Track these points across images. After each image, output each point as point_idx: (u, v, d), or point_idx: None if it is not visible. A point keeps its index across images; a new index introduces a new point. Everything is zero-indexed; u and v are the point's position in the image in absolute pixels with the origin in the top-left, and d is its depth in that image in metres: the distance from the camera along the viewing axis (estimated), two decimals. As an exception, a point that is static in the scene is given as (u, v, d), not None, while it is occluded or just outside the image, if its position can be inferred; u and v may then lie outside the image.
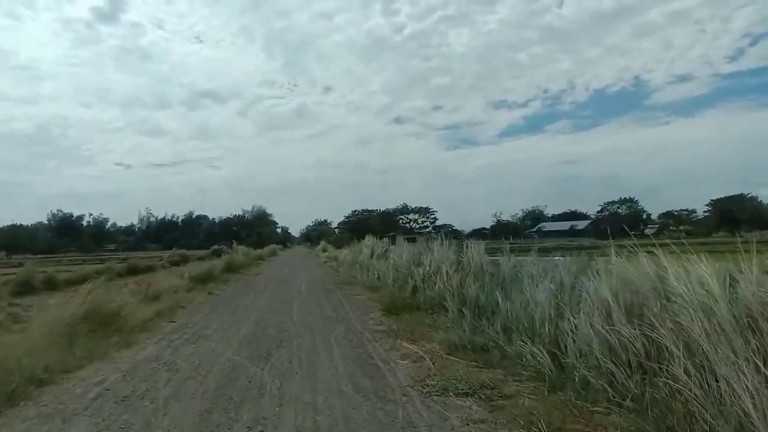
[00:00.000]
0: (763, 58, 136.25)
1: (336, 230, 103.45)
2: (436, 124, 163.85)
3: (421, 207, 72.05)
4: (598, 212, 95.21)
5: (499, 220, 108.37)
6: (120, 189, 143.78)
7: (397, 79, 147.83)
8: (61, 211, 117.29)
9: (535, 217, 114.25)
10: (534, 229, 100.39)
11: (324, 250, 42.03)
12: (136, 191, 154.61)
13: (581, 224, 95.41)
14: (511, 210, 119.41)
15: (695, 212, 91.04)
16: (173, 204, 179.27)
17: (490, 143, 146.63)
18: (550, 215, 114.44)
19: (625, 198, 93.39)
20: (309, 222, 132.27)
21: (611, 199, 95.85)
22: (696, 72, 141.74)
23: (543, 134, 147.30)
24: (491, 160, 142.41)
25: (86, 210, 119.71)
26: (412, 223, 70.99)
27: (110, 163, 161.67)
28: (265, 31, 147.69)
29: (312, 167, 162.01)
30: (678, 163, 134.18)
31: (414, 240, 58.47)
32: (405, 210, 70.10)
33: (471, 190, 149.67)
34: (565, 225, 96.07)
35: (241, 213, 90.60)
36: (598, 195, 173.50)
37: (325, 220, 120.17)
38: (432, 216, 71.73)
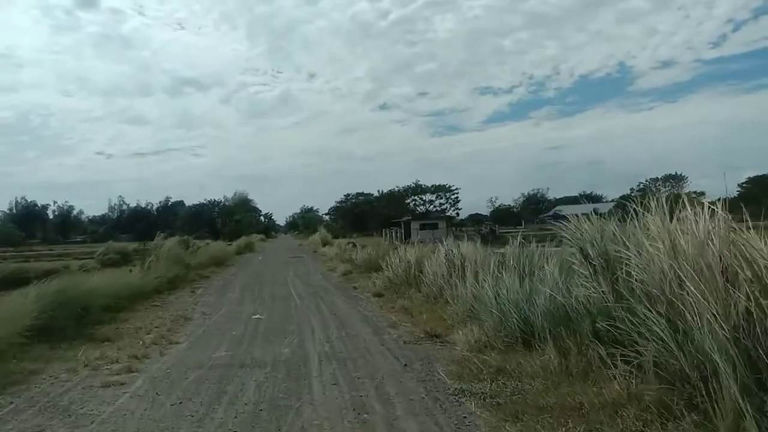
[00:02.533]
0: (745, 43, 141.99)
1: (326, 218, 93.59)
2: (421, 111, 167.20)
3: (440, 185, 60.20)
4: (637, 190, 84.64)
5: (498, 206, 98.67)
6: (101, 179, 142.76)
7: (382, 65, 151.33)
8: (25, 199, 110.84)
9: (537, 201, 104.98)
10: (549, 214, 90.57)
11: (324, 243, 31.92)
12: (117, 181, 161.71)
13: (605, 207, 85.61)
14: (501, 195, 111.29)
15: (704, 194, 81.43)
16: (155, 194, 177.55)
17: (475, 130, 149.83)
18: (552, 198, 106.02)
19: (670, 175, 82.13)
20: (295, 210, 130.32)
21: (654, 176, 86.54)
22: (679, 58, 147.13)
23: (528, 120, 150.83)
24: (476, 147, 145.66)
25: (66, 200, 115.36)
26: (426, 204, 59.04)
27: (91, 152, 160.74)
28: (248, 16, 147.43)
29: (297, 155, 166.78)
30: (662, 148, 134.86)
31: (434, 226, 48.27)
32: (417, 189, 58.21)
33: (456, 176, 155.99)
34: (585, 208, 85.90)
35: (217, 199, 79.52)
36: (583, 180, 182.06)
37: (312, 208, 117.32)
38: (454, 195, 60.15)
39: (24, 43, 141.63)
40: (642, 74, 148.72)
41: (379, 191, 69.10)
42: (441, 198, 56.74)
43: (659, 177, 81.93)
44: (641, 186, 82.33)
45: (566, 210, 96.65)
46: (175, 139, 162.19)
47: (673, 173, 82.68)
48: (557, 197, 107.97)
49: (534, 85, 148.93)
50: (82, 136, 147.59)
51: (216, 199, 79.10)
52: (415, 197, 57.65)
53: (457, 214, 60.37)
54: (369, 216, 68.05)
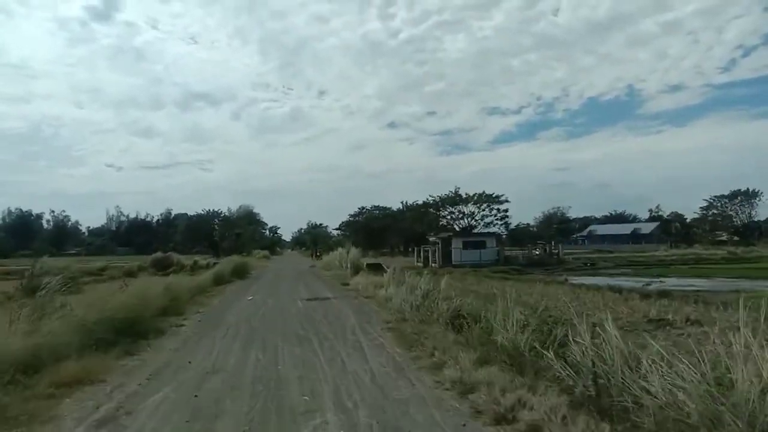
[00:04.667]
0: (755, 69, 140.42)
1: (336, 233, 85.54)
2: (429, 130, 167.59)
3: (485, 194, 50.22)
4: (702, 209, 75.51)
5: (516, 225, 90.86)
6: (110, 191, 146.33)
7: (392, 83, 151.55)
8: (20, 209, 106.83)
9: (559, 220, 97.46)
10: (584, 234, 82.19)
11: (354, 268, 23.33)
12: (125, 193, 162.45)
13: (646, 227, 77.08)
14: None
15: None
16: (162, 207, 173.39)
17: (483, 149, 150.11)
18: (572, 217, 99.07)
19: (738, 191, 72.34)
20: (301, 225, 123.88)
21: (719, 193, 77.47)
22: (689, 82, 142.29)
23: (536, 141, 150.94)
24: (484, 166, 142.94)
25: (73, 211, 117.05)
26: (467, 218, 49.48)
27: (101, 164, 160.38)
28: (260, 32, 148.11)
29: (305, 171, 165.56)
30: (669, 172, 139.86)
31: (481, 245, 39.61)
32: (455, 200, 48.68)
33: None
34: (624, 228, 78.03)
35: (217, 209, 70.82)
36: (590, 202, 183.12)
37: (320, 224, 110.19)
38: (502, 207, 50.16)
39: (38, 54, 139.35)
40: (651, 97, 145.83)
41: (403, 203, 60.89)
42: (484, 210, 47.69)
43: (726, 194, 72.45)
44: (710, 204, 73.56)
45: (601, 230, 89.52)
46: (184, 153, 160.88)
47: (743, 189, 72.70)
48: (575, 216, 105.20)
49: (542, 106, 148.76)
50: (94, 147, 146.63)
51: (216, 210, 70.56)
52: (453, 209, 48.55)
53: (506, 229, 51.39)
54: (389, 232, 59.80)
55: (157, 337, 9.34)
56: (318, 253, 66.11)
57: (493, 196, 46.83)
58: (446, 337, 8.04)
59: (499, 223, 48.16)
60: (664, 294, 17.38)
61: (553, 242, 47.62)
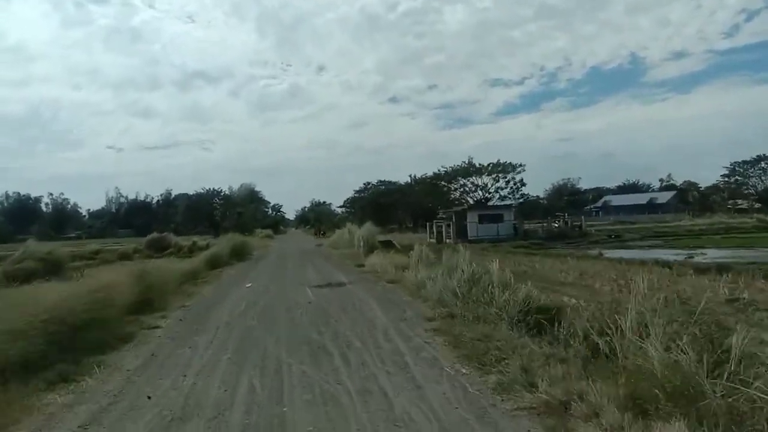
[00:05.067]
0: (758, 33, 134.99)
1: (341, 210, 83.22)
2: (431, 103, 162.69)
3: (500, 162, 47.49)
4: (723, 176, 72.16)
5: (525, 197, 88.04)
6: (111, 172, 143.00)
7: (392, 57, 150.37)
8: (18, 192, 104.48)
9: (569, 191, 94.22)
10: (599, 205, 79.31)
11: (368, 247, 20.45)
12: (126, 175, 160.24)
13: (662, 196, 74.17)
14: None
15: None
16: (163, 188, 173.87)
17: (485, 122, 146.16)
18: (582, 189, 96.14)
19: (762, 155, 68.97)
20: (304, 204, 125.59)
21: (739, 159, 74.12)
22: (692, 48, 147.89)
23: (539, 112, 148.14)
24: (487, 139, 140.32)
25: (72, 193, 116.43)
26: (479, 190, 46.26)
27: (101, 146, 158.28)
28: (257, 9, 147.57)
29: (306, 148, 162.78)
30: (674, 140, 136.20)
31: (498, 218, 36.96)
32: (468, 170, 45.33)
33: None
34: (640, 198, 75.09)
35: (218, 188, 68.12)
36: (595, 173, 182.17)
37: (324, 201, 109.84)
38: (517, 176, 47.60)
39: (35, 37, 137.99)
40: (654, 65, 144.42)
41: (411, 177, 57.72)
42: (498, 181, 44.59)
43: (750, 159, 68.95)
44: (733, 170, 70.17)
45: (615, 200, 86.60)
46: (184, 133, 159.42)
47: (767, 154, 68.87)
48: (586, 188, 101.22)
49: (545, 76, 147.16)
50: (93, 129, 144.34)
51: (216, 188, 67.75)
52: (466, 181, 45.42)
53: (521, 201, 48.45)
54: (397, 207, 57.09)
55: (117, 347, 6.75)
56: (323, 231, 63.48)
57: (508, 164, 43.78)
58: (527, 345, 5.46)
59: (514, 194, 45.29)
60: (723, 268, 15.00)
61: (566, 214, 45.03)
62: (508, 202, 44.40)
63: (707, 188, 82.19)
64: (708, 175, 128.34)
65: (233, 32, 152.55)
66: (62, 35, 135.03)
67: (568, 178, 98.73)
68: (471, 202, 45.12)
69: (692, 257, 20.69)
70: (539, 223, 44.35)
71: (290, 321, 8.41)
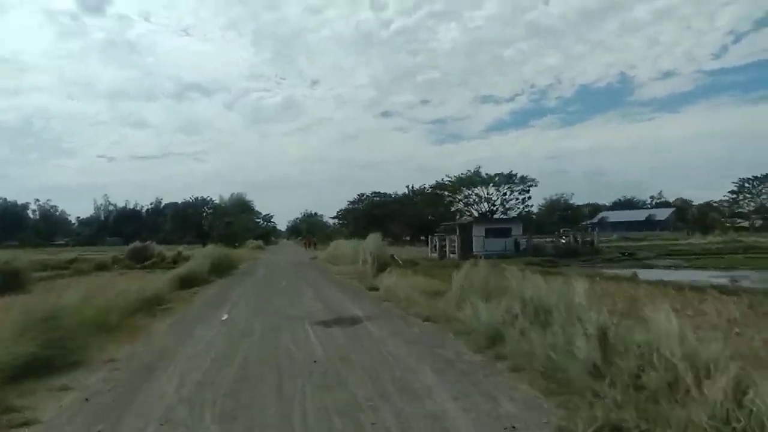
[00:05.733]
0: (746, 55, 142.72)
1: (333, 222, 79.62)
2: (423, 119, 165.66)
3: (511, 174, 42.13)
4: (732, 192, 68.96)
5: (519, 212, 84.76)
6: (102, 182, 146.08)
7: (385, 73, 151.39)
8: (5, 198, 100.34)
9: (562, 207, 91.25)
10: (595, 221, 76.23)
11: (380, 264, 15.71)
12: (117, 185, 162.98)
13: (660, 213, 71.43)
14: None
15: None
16: (155, 198, 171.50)
17: (476, 138, 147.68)
18: (575, 204, 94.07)
19: None
20: (296, 216, 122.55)
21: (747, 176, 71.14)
22: (681, 68, 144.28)
23: (529, 129, 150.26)
24: (478, 155, 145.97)
25: (70, 204, 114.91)
26: (483, 202, 42.19)
27: (93, 156, 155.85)
28: (253, 24, 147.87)
29: (298, 161, 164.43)
30: (662, 159, 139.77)
31: (506, 233, 33.19)
32: (474, 180, 41.27)
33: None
34: (637, 215, 72.24)
35: (207, 196, 63.84)
36: (585, 189, 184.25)
37: (315, 213, 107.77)
38: (526, 187, 43.82)
39: (29, 48, 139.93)
40: (643, 84, 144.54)
41: (409, 188, 53.58)
42: (506, 194, 40.80)
43: (759, 175, 65.79)
44: (741, 186, 67.16)
45: (613, 216, 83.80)
46: (177, 144, 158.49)
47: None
48: (578, 203, 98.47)
49: (536, 94, 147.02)
50: (86, 139, 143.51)
51: (205, 197, 63.50)
52: (470, 192, 41.58)
53: (528, 213, 44.83)
54: (395, 218, 53.25)
55: None
56: (314, 243, 59.16)
57: (513, 175, 40.14)
58: None
59: (521, 207, 41.75)
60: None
61: (573, 229, 41.68)
62: (511, 215, 40.83)
63: (702, 205, 79.86)
64: (698, 194, 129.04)
65: (229, 46, 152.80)
66: (57, 47, 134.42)
67: (562, 194, 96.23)
68: (475, 214, 41.40)
69: (737, 280, 17.46)
70: (541, 238, 40.81)
71: (286, 406, 4.55)
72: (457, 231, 33.59)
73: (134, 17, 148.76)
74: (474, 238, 32.27)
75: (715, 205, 78.92)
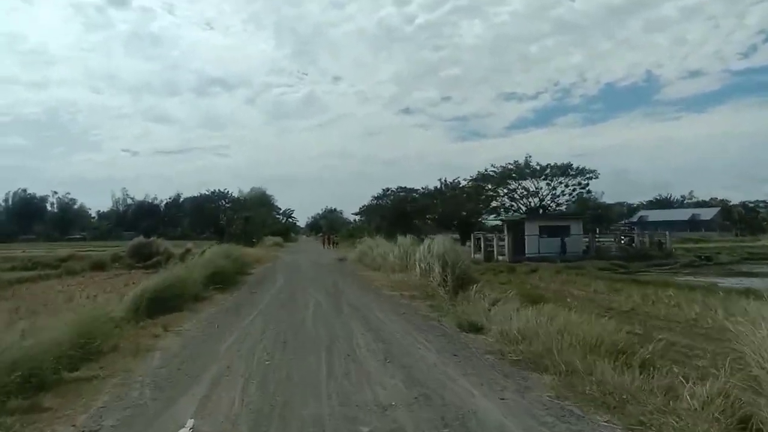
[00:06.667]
0: None
1: (355, 218, 75.59)
2: (444, 116, 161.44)
3: (565, 164, 36.68)
4: None
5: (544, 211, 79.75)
6: (126, 176, 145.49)
7: (407, 69, 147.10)
8: (24, 190, 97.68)
9: (592, 206, 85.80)
10: (634, 220, 70.60)
11: (461, 280, 9.32)
12: (141, 179, 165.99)
13: (705, 213, 65.71)
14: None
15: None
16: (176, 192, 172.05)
17: (498, 136, 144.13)
18: (606, 203, 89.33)
19: None
20: (316, 212, 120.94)
21: None
22: (708, 68, 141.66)
23: (552, 127, 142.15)
24: (499, 153, 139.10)
25: (92, 198, 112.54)
26: (529, 197, 36.91)
27: (117, 150, 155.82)
28: (275, 18, 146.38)
29: (319, 157, 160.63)
30: (687, 159, 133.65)
31: (565, 231, 26.69)
32: (522, 171, 36.04)
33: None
34: (680, 214, 66.52)
35: (224, 190, 59.64)
36: (607, 189, 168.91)
37: (335, 209, 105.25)
38: (585, 179, 38.13)
39: (55, 40, 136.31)
40: (669, 83, 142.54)
41: (441, 181, 48.50)
42: (554, 188, 35.68)
43: None
44: None
45: (653, 216, 78.01)
46: (199, 139, 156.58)
47: None
48: (609, 202, 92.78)
49: (559, 92, 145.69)
50: (110, 133, 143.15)
51: (222, 190, 59.31)
52: (518, 185, 36.37)
53: (585, 209, 39.88)
54: (424, 215, 48.66)
55: None
56: (334, 241, 54.62)
57: (569, 166, 35.04)
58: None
59: (574, 202, 36.69)
60: None
61: (634, 228, 36.65)
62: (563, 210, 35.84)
63: (736, 205, 74.77)
64: (726, 194, 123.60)
65: (251, 40, 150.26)
66: (82, 39, 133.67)
67: (592, 192, 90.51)
68: (523, 209, 36.40)
69: None
70: (597, 237, 35.84)
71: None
72: (505, 229, 28.89)
73: (158, 9, 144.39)
74: (527, 238, 27.51)
75: (750, 205, 74.27)
